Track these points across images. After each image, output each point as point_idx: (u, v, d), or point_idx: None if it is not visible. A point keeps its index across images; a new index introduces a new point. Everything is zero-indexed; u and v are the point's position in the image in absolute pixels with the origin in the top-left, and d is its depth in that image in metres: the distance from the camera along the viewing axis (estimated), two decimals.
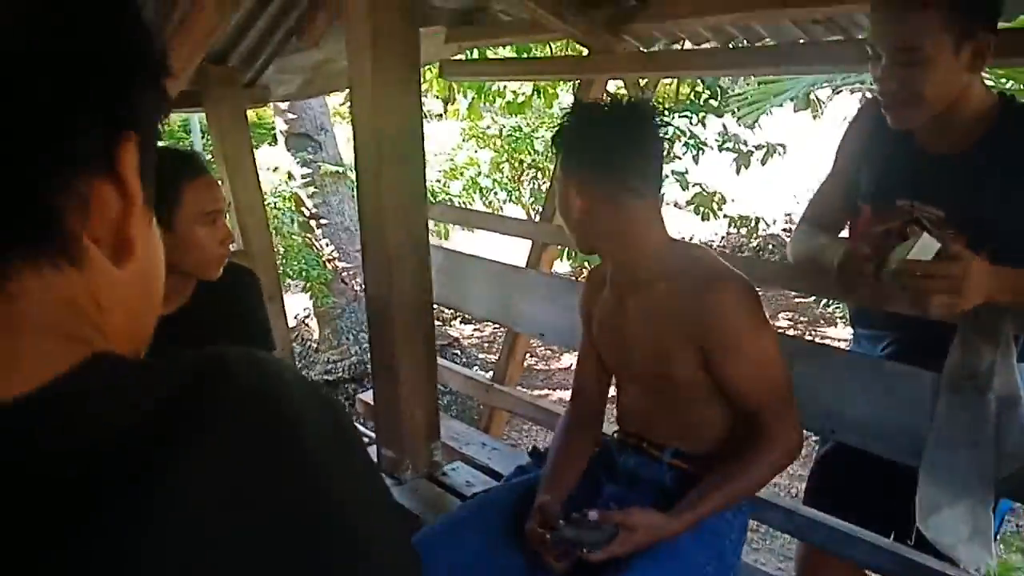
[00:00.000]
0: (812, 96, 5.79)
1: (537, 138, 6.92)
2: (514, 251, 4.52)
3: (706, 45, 2.71)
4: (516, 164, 7.15)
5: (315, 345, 5.98)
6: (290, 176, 6.00)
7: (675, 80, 6.13)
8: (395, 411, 2.05)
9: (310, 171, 5.88)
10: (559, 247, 3.68)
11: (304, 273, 5.59)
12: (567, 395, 1.76)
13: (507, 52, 4.97)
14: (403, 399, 2.03)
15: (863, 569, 1.64)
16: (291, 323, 5.86)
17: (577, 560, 1.27)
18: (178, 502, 0.31)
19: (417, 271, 1.98)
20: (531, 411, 2.49)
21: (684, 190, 6.50)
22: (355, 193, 2.02)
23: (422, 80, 2.12)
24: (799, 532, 1.66)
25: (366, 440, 2.46)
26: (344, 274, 5.93)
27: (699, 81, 6.14)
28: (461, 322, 6.97)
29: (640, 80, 3.64)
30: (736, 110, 5.76)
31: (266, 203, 3.31)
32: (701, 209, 6.70)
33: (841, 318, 6.35)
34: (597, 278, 1.54)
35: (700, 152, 6.29)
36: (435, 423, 2.14)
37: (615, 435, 1.53)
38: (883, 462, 1.48)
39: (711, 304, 1.28)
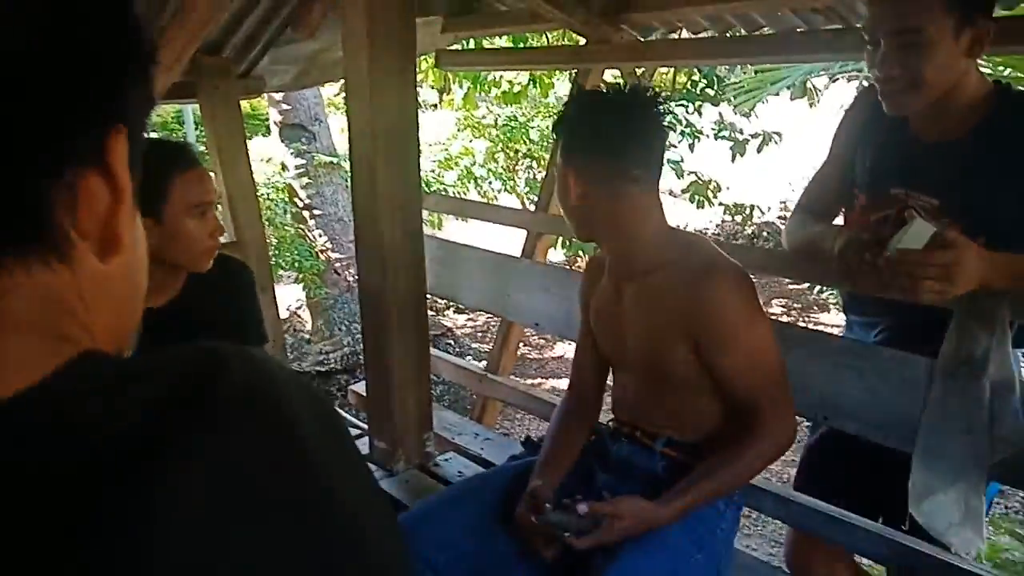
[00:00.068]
0: (808, 84, 5.79)
1: (532, 127, 6.90)
2: (509, 241, 4.51)
3: (704, 34, 2.70)
4: (511, 154, 7.13)
5: (307, 336, 5.98)
6: (284, 167, 5.99)
7: (672, 69, 6.11)
8: (387, 402, 2.04)
9: (304, 162, 5.87)
10: (554, 236, 3.67)
11: (297, 264, 5.58)
12: (561, 384, 1.76)
13: (503, 42, 4.95)
14: (396, 389, 2.02)
15: (853, 554, 1.65)
16: (283, 314, 5.86)
17: (565, 547, 1.26)
18: (180, 503, 0.31)
19: (411, 261, 1.98)
20: (524, 401, 2.49)
21: (680, 178, 6.52)
22: (349, 184, 2.01)
23: (418, 70, 2.11)
24: (792, 519, 1.67)
25: (358, 431, 2.46)
26: (337, 265, 5.93)
27: (696, 70, 6.13)
28: (454, 311, 6.97)
29: (637, 69, 3.63)
30: (732, 98, 5.75)
31: (259, 194, 3.30)
32: (696, 197, 6.72)
33: (835, 304, 6.37)
34: (595, 267, 1.54)
35: (696, 140, 6.30)
36: (428, 413, 2.13)
37: (609, 423, 1.53)
38: (872, 448, 1.48)
39: (706, 295, 1.28)
